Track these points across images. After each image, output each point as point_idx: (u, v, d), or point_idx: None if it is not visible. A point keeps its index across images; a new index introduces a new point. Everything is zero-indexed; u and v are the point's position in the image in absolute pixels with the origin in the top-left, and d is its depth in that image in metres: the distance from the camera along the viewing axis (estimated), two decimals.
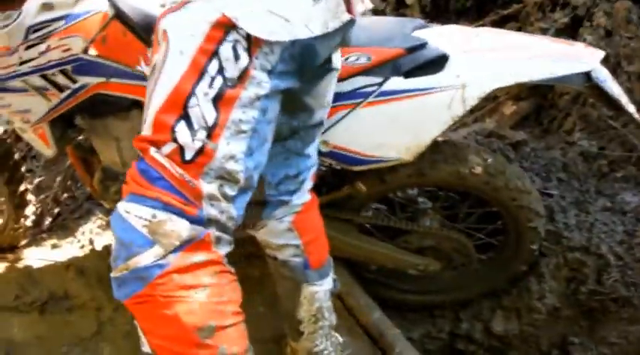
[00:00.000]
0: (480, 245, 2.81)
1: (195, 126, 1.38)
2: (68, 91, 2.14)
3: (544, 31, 3.25)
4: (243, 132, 1.42)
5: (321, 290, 2.16)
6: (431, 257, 2.74)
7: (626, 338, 2.86)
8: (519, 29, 3.29)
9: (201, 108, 1.39)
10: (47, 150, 2.35)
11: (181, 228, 1.36)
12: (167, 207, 1.37)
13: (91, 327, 2.88)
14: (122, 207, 1.39)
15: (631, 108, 2.29)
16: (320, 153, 2.22)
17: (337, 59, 1.86)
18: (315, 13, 1.49)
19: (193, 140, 1.38)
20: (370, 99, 2.19)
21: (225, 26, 1.39)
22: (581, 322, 2.93)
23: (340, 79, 2.14)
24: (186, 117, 1.39)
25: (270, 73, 1.45)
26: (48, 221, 3.50)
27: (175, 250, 1.35)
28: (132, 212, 1.38)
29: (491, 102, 3.33)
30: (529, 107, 3.29)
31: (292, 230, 2.06)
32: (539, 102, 3.31)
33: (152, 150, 1.39)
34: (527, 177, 2.60)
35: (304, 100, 1.81)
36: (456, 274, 2.94)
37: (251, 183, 1.48)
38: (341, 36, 1.68)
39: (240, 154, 1.42)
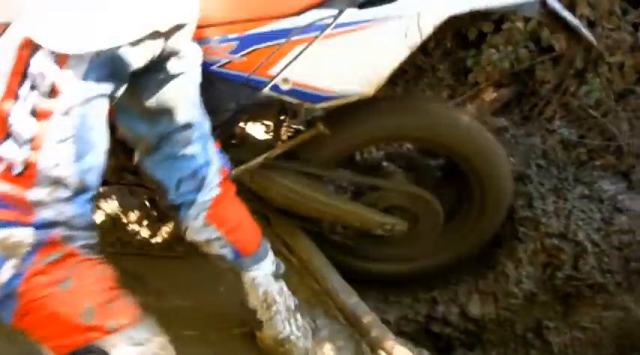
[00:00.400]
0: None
1: (20, 142, 1.47)
2: None
3: (527, 21, 3.26)
4: (64, 140, 1.50)
5: (259, 274, 2.20)
6: (398, 216, 2.77)
7: (600, 323, 2.90)
8: (500, 20, 3.30)
9: (22, 125, 1.48)
10: None
11: (25, 236, 1.46)
12: (3, 224, 1.46)
13: None
14: None
15: (587, 33, 2.36)
16: (282, 92, 2.24)
17: (183, 64, 1.88)
18: (118, 23, 1.54)
19: (19, 155, 1.46)
20: (327, 32, 2.16)
21: (31, 45, 1.49)
22: (557, 307, 2.97)
23: (295, 14, 2.15)
24: (10, 135, 1.48)
25: (83, 81, 1.52)
26: None
27: (29, 256, 1.46)
28: None
29: (471, 88, 3.34)
30: (510, 94, 3.30)
31: (209, 224, 2.09)
32: (519, 90, 3.33)
33: None
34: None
35: (155, 107, 1.87)
36: (423, 239, 2.96)
37: (88, 184, 1.54)
38: (162, 43, 1.71)
39: (66, 161, 1.50)
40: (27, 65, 1.49)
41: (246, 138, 2.86)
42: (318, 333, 2.50)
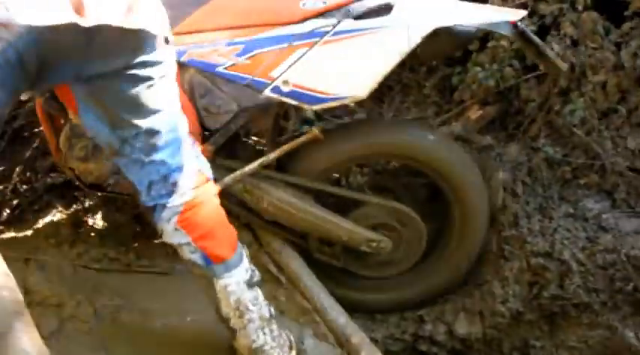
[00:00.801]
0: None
1: None
2: None
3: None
4: None
5: (232, 281, 2.19)
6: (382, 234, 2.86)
7: (585, 342, 2.92)
8: (486, 38, 3.32)
9: None
10: None
11: None
12: None
13: (51, 325, 2.81)
14: None
15: (552, 54, 2.65)
16: (282, 94, 2.40)
17: (150, 71, 1.87)
18: None
19: None
20: (326, 38, 2.37)
21: None
22: (543, 326, 2.99)
23: (297, 22, 2.38)
24: None
25: None
26: (6, 213, 3.43)
27: None
28: None
29: (456, 106, 3.36)
30: (495, 112, 3.32)
31: (178, 229, 2.11)
32: (505, 108, 3.35)
33: None
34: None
35: (116, 111, 1.90)
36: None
37: None
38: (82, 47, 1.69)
39: None
40: None
41: (241, 144, 2.92)
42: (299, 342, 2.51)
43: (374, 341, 2.83)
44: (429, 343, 3.05)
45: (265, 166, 2.75)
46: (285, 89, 2.40)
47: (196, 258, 2.15)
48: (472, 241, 2.95)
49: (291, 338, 2.43)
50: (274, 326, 2.31)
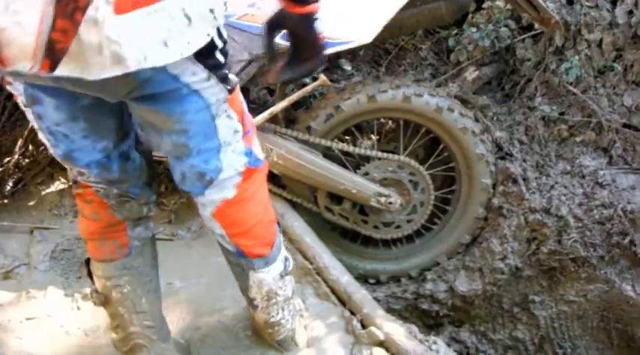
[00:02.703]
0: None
1: None
2: None
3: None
4: (38, 129, 1.79)
5: (268, 276, 2.13)
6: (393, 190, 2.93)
7: (584, 296, 2.96)
8: None
9: None
10: None
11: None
12: None
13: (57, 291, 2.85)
14: None
15: (549, 10, 2.67)
16: None
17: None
18: None
19: None
20: None
21: None
22: (542, 281, 3.03)
23: None
24: None
25: (25, 83, 1.66)
26: (10, 186, 3.46)
27: (73, 182, 2.00)
28: None
29: (453, 67, 3.37)
30: (491, 73, 3.33)
31: (213, 220, 2.01)
32: (501, 68, 3.36)
33: None
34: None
35: (142, 120, 1.83)
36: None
37: (75, 162, 1.85)
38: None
39: (48, 144, 1.82)
40: None
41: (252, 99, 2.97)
42: (308, 312, 2.53)
43: (376, 300, 2.86)
44: (431, 301, 3.09)
45: (275, 122, 2.81)
46: None
47: (231, 248, 2.08)
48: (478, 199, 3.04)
49: (302, 304, 2.47)
50: (293, 301, 2.31)
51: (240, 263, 2.12)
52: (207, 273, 2.89)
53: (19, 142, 3.50)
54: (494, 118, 3.14)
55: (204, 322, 2.57)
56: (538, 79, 3.21)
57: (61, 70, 1.46)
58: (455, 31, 3.38)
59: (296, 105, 2.90)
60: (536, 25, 3.18)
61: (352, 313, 2.58)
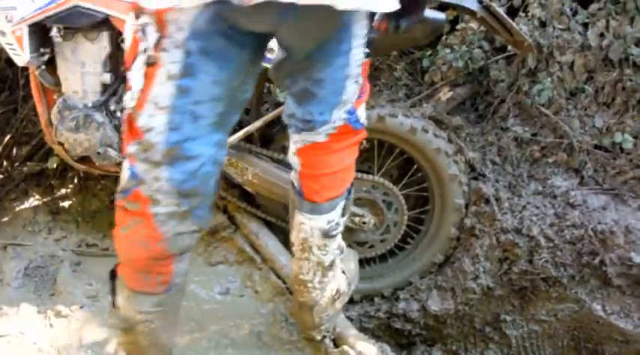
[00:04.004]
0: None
1: (131, 94, 1.66)
2: None
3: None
4: (162, 108, 1.64)
5: (307, 223, 2.22)
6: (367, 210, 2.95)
7: (555, 315, 2.99)
8: (455, 20, 3.36)
9: (134, 80, 1.65)
10: (21, 55, 2.55)
11: (122, 178, 1.73)
12: (125, 157, 1.73)
13: (30, 309, 2.84)
14: None
15: (518, 29, 2.65)
16: None
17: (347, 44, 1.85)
18: None
19: (128, 108, 1.67)
20: None
21: (136, 10, 1.62)
22: (513, 301, 3.05)
23: None
24: (130, 87, 1.66)
25: (186, 52, 1.60)
26: None
27: (122, 192, 1.75)
28: None
29: (427, 88, 3.40)
30: (465, 93, 3.37)
31: (295, 156, 2.15)
32: (475, 89, 3.40)
33: None
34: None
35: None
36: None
37: (182, 153, 1.68)
38: (284, 18, 1.64)
39: (160, 128, 1.65)
40: (138, 27, 1.61)
41: None
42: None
43: (349, 319, 2.88)
44: (403, 320, 3.11)
45: (250, 142, 2.83)
46: None
47: (296, 184, 2.21)
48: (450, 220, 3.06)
49: (341, 287, 2.52)
50: (329, 273, 2.37)
51: (294, 199, 2.23)
52: (188, 289, 2.90)
53: None
54: (468, 139, 3.17)
55: (184, 337, 2.58)
56: (511, 100, 3.25)
57: None
58: (429, 52, 3.42)
59: (271, 124, 2.91)
60: (510, 47, 3.22)
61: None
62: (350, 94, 1.98)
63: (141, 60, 1.63)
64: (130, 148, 1.69)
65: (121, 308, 1.97)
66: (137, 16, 1.61)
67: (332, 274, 2.37)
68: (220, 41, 1.62)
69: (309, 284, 2.33)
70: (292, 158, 2.17)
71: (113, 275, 1.99)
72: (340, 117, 2.02)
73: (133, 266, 1.89)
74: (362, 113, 2.13)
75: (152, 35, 1.59)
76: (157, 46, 1.60)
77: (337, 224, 2.26)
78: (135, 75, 1.65)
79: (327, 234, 2.24)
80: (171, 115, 1.65)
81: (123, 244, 1.87)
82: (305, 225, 2.22)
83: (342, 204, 2.24)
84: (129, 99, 1.67)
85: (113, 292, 2.00)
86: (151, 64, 1.62)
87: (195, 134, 1.69)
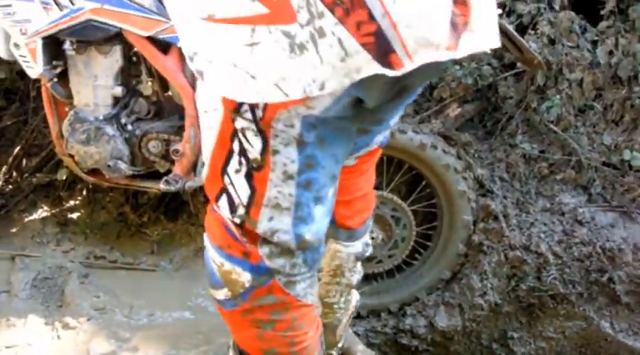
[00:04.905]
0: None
1: (235, 202, 1.45)
2: (66, 11, 2.47)
3: None
4: (285, 209, 1.44)
5: (344, 251, 2.14)
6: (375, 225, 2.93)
7: (563, 333, 2.98)
8: None
9: (236, 187, 1.43)
10: (34, 68, 2.54)
11: (244, 280, 1.51)
12: (231, 258, 1.50)
13: (37, 321, 2.84)
14: (205, 239, 1.57)
15: (527, 45, 2.44)
16: None
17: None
18: (292, 69, 1.21)
19: (233, 217, 1.46)
20: None
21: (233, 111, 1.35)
22: (521, 317, 3.04)
23: None
24: (225, 191, 1.46)
25: (301, 146, 1.37)
26: None
27: (243, 294, 1.53)
28: (208, 250, 1.55)
29: (436, 104, 3.40)
30: (474, 110, 3.37)
31: None
32: (483, 106, 3.40)
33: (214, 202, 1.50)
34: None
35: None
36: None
37: (314, 239, 1.51)
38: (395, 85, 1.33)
39: (286, 227, 1.45)
40: (234, 125, 1.37)
41: None
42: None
43: (356, 334, 2.87)
44: (410, 336, 3.10)
45: None
46: None
47: None
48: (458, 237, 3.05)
49: (356, 299, 2.45)
50: (354, 293, 2.33)
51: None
52: (189, 305, 2.90)
53: (3, 169, 3.51)
54: (476, 155, 3.17)
55: (191, 351, 2.58)
56: (519, 116, 3.25)
57: (463, 48, 1.24)
58: None
59: None
60: (519, 64, 3.23)
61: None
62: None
63: (237, 162, 1.41)
64: (261, 251, 1.48)
65: None
66: (233, 118, 1.36)
67: (354, 291, 2.34)
68: (341, 121, 1.38)
69: (335, 306, 2.27)
70: None
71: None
72: (378, 141, 1.86)
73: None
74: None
75: (255, 141, 1.36)
76: (264, 150, 1.36)
77: (368, 244, 2.23)
78: (235, 181, 1.43)
79: (360, 257, 2.20)
80: (295, 213, 1.45)
81: (272, 342, 1.63)
82: (342, 252, 2.14)
83: (371, 223, 2.21)
84: (231, 205, 1.46)
85: None
86: (257, 168, 1.40)
87: (321, 214, 1.52)
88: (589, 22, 3.29)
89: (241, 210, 1.44)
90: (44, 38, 2.51)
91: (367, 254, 2.22)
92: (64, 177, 3.30)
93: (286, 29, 1.18)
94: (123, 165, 2.62)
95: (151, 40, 2.50)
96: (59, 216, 3.44)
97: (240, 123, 1.35)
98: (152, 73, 2.63)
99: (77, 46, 2.58)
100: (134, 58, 2.65)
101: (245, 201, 1.43)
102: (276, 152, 1.36)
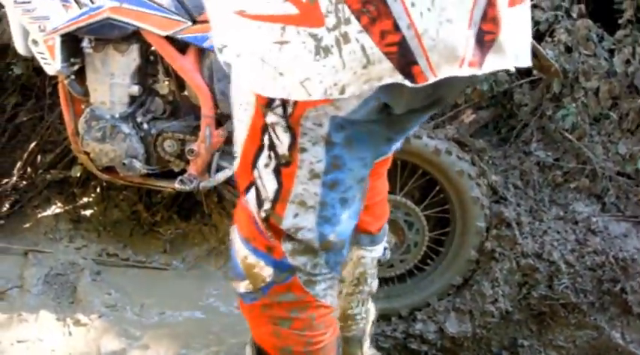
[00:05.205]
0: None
1: (262, 196, 1.47)
2: (85, 9, 2.51)
3: None
4: (311, 207, 1.46)
5: (369, 256, 2.16)
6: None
7: (573, 342, 2.97)
8: None
9: (264, 181, 1.46)
10: (51, 64, 2.57)
11: (266, 274, 1.52)
12: (256, 251, 1.52)
13: (49, 317, 2.86)
14: (233, 230, 1.58)
15: (544, 52, 2.50)
16: None
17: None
18: (316, 71, 1.24)
19: (259, 210, 1.48)
20: None
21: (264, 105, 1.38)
22: (532, 325, 3.03)
23: None
24: (254, 185, 1.49)
25: (329, 145, 1.39)
26: (6, 208, 3.48)
27: (264, 288, 1.54)
28: (234, 242, 1.57)
29: (450, 110, 3.40)
30: (489, 116, 3.37)
31: None
32: (498, 112, 3.40)
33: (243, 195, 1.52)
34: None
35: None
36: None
37: (338, 240, 1.53)
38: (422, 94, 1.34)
39: (310, 226, 1.48)
40: (265, 119, 1.40)
41: None
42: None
43: None
44: (420, 341, 3.09)
45: None
46: None
47: None
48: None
49: (374, 308, 2.46)
50: (370, 302, 2.33)
51: None
52: (200, 305, 2.91)
53: (18, 164, 3.54)
54: (490, 162, 3.16)
55: (202, 351, 2.59)
56: (534, 124, 3.24)
57: (488, 65, 1.27)
58: None
59: None
60: (535, 72, 3.22)
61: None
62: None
63: (267, 156, 1.44)
64: (284, 247, 1.50)
65: None
66: (264, 113, 1.38)
67: (370, 299, 2.34)
68: (369, 125, 1.40)
69: (358, 317, 2.26)
70: None
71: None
72: (397, 146, 1.87)
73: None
74: None
75: (284, 137, 1.39)
76: (293, 147, 1.40)
77: (387, 248, 2.25)
78: (264, 175, 1.46)
79: (382, 261, 2.24)
80: (320, 212, 1.48)
81: (288, 340, 1.63)
82: (366, 258, 2.15)
83: (387, 226, 2.22)
84: (258, 199, 1.49)
85: None
86: (285, 164, 1.42)
87: (347, 216, 1.54)
88: (606, 31, 3.29)
89: (267, 205, 1.46)
90: (62, 35, 2.53)
91: (388, 257, 2.27)
92: (78, 174, 3.32)
93: (314, 32, 1.21)
94: (138, 164, 2.63)
95: (169, 39, 2.52)
96: (72, 212, 3.46)
97: (270, 118, 1.38)
98: (169, 72, 2.64)
99: (95, 44, 2.59)
100: (151, 57, 2.67)
101: (272, 196, 1.46)
102: (303, 150, 1.39)
